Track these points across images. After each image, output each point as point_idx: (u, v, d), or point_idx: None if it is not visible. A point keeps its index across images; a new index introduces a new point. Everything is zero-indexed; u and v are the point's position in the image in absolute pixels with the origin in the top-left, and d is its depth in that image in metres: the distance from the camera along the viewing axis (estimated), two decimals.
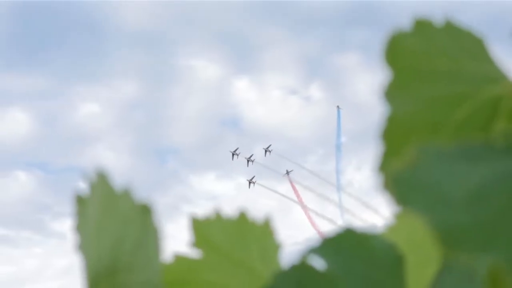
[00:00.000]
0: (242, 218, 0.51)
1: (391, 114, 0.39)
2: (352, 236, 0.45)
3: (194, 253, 0.51)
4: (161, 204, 0.46)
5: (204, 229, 0.50)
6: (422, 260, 0.48)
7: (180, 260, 0.50)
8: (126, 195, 0.42)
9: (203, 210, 0.50)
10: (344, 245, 0.45)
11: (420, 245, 0.49)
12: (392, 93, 0.39)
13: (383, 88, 0.39)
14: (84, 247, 0.43)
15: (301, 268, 0.43)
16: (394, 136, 0.39)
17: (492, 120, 0.39)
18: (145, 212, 0.41)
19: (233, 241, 0.51)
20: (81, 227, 0.44)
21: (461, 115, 0.39)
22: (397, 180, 0.32)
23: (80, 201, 0.44)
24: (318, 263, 0.44)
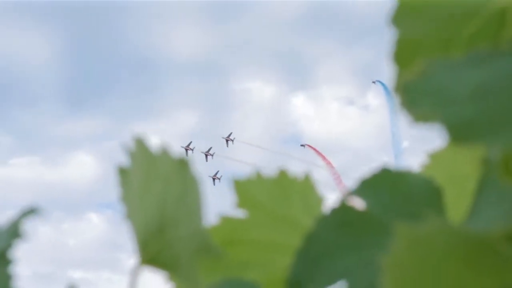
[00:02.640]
0: (283, 176, 0.53)
1: (401, 36, 0.41)
2: (389, 175, 0.46)
3: (239, 214, 0.52)
4: None
5: (247, 189, 0.52)
6: (459, 193, 0.49)
7: (226, 221, 0.52)
8: (164, 154, 0.44)
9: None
10: (382, 183, 0.46)
11: (456, 180, 0.50)
12: (399, 17, 0.40)
13: (390, 13, 0.40)
14: (131, 214, 0.45)
15: (342, 210, 0.45)
16: (405, 57, 0.40)
17: (500, 32, 0.40)
18: (183, 166, 0.43)
19: (276, 198, 0.52)
20: (126, 197, 0.46)
21: (470, 31, 0.40)
22: (407, 87, 0.33)
23: (122, 172, 0.46)
24: (358, 204, 0.45)
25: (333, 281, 0.42)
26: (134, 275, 0.45)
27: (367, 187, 0.46)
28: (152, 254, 0.44)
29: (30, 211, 0.43)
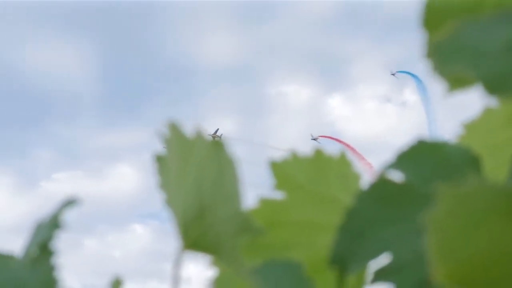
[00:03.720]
0: (319, 155, 0.53)
1: (429, 2, 0.40)
2: (425, 146, 0.46)
3: (277, 195, 0.52)
4: None
5: (284, 171, 0.52)
6: (497, 161, 0.48)
7: (265, 203, 0.52)
8: (199, 138, 0.44)
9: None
10: (419, 155, 0.45)
11: (492, 148, 0.49)
12: None
13: None
14: (170, 201, 0.46)
15: (381, 184, 0.44)
16: (434, 21, 0.40)
17: None
18: (218, 149, 0.43)
19: (313, 177, 0.52)
20: (164, 184, 0.46)
21: None
22: (439, 47, 0.33)
23: (159, 160, 0.46)
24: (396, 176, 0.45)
25: (376, 254, 0.41)
26: (177, 260, 0.45)
27: (404, 159, 0.46)
28: (194, 239, 0.45)
29: (69, 203, 0.43)
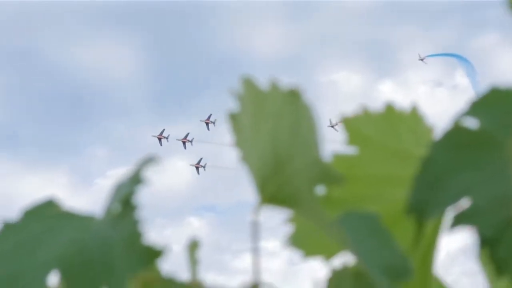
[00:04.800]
0: (390, 110, 0.53)
1: None
2: (499, 93, 0.46)
3: (350, 151, 0.53)
4: None
5: (356, 126, 0.52)
6: None
7: (338, 158, 0.52)
8: (274, 89, 0.45)
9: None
10: (493, 102, 0.45)
11: None
12: None
13: None
14: (245, 157, 0.46)
15: (455, 132, 0.44)
16: None
17: None
18: (294, 98, 0.44)
19: (385, 132, 0.52)
20: (239, 141, 0.46)
21: None
22: None
23: (233, 118, 0.47)
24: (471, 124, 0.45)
25: (455, 199, 0.41)
26: (255, 215, 0.46)
27: (479, 107, 0.45)
28: (271, 192, 0.45)
29: (150, 160, 0.44)
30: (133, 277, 0.40)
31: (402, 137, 0.52)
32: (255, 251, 0.46)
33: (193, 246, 0.49)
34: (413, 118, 0.53)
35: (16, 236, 0.44)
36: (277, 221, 0.51)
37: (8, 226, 0.44)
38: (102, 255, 0.41)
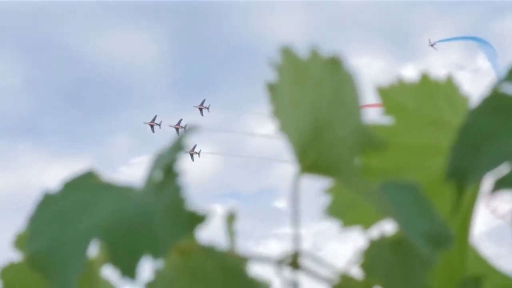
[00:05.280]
0: (425, 79, 0.53)
1: None
2: None
3: (385, 121, 0.52)
4: None
5: (391, 95, 0.52)
6: None
7: (375, 129, 0.52)
8: (313, 57, 0.44)
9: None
10: None
11: None
12: None
13: None
14: (284, 127, 0.46)
15: (494, 98, 0.44)
16: None
17: None
18: (335, 64, 0.43)
19: (421, 101, 0.52)
20: (277, 111, 0.46)
21: None
22: None
23: (271, 88, 0.46)
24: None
25: (495, 164, 0.41)
26: (294, 185, 0.46)
27: None
28: (311, 161, 0.45)
29: (193, 128, 0.44)
30: (176, 244, 0.41)
31: (439, 106, 0.52)
32: (295, 220, 0.46)
33: (230, 218, 0.50)
34: (449, 87, 0.52)
35: (57, 207, 0.44)
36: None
37: (49, 197, 0.45)
38: (144, 223, 0.41)
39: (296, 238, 0.45)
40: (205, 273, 0.44)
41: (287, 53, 0.45)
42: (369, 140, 0.44)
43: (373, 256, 0.48)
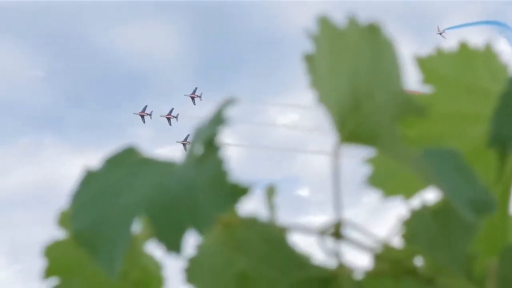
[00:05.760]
0: (464, 48, 0.52)
1: None
2: None
3: (425, 90, 0.52)
4: None
5: (430, 65, 0.52)
6: None
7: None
8: (351, 25, 0.44)
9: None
10: None
11: None
12: None
13: None
14: (322, 98, 0.46)
15: None
16: None
17: None
18: (374, 32, 0.43)
19: (460, 69, 0.52)
20: (315, 82, 0.46)
21: None
22: None
23: (309, 59, 0.46)
24: None
25: None
26: (334, 155, 0.46)
27: None
28: (350, 130, 0.45)
29: (229, 101, 0.44)
30: (218, 218, 0.41)
31: (478, 74, 0.52)
32: (336, 189, 0.46)
33: (270, 191, 0.50)
34: (488, 55, 0.52)
35: (99, 183, 0.44)
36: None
37: (91, 175, 0.45)
38: (187, 197, 0.41)
39: (338, 208, 0.45)
40: (248, 245, 0.45)
41: (324, 22, 0.45)
42: (410, 107, 0.44)
43: (414, 225, 0.48)
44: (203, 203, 0.40)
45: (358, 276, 0.45)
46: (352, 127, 0.45)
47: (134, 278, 0.50)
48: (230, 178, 0.40)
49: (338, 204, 0.46)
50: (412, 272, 0.45)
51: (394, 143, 0.44)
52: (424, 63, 0.52)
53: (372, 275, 0.45)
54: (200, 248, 0.48)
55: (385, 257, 0.45)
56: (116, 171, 0.45)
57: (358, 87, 0.44)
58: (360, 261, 0.46)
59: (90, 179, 0.45)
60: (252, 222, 0.45)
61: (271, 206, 0.49)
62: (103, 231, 0.41)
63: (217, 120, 0.43)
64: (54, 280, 0.50)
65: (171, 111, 21.43)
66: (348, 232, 0.46)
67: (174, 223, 0.40)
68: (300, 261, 0.45)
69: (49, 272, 0.50)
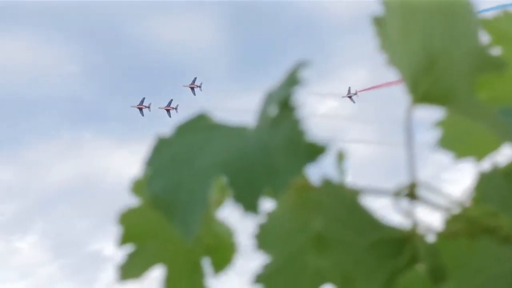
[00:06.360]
0: None
1: None
2: None
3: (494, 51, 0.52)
4: None
5: (497, 26, 0.51)
6: None
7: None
8: None
9: None
10: None
11: None
12: None
13: None
14: (393, 59, 0.46)
15: None
16: None
17: None
18: None
19: None
20: (385, 45, 0.46)
21: None
22: None
23: (378, 22, 0.46)
24: None
25: None
26: (407, 115, 0.46)
27: None
28: (424, 91, 0.45)
29: (303, 63, 0.44)
30: (294, 179, 0.40)
31: None
32: (410, 151, 0.46)
33: (341, 156, 0.50)
34: None
35: (172, 149, 0.44)
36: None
37: (163, 141, 0.45)
38: (263, 158, 0.41)
39: (412, 169, 0.45)
40: (324, 207, 0.45)
41: None
42: (487, 62, 0.43)
43: (486, 187, 0.48)
44: (280, 163, 0.40)
45: (432, 236, 0.45)
46: (426, 87, 0.44)
47: (206, 244, 0.51)
48: (306, 138, 0.40)
49: (412, 166, 0.45)
50: (490, 231, 0.44)
51: (470, 101, 0.43)
52: (491, 25, 0.51)
53: (447, 235, 0.45)
54: (271, 214, 0.48)
55: (461, 217, 0.45)
56: (189, 136, 0.45)
57: (432, 45, 0.44)
58: (431, 222, 0.46)
59: (163, 145, 0.45)
60: (327, 184, 0.45)
61: (342, 170, 0.49)
62: (180, 194, 0.41)
63: (291, 81, 0.43)
64: (129, 247, 0.51)
65: (170, 103, 20.78)
66: (423, 192, 0.45)
67: (251, 184, 0.40)
68: (374, 223, 0.45)
69: (124, 239, 0.51)
